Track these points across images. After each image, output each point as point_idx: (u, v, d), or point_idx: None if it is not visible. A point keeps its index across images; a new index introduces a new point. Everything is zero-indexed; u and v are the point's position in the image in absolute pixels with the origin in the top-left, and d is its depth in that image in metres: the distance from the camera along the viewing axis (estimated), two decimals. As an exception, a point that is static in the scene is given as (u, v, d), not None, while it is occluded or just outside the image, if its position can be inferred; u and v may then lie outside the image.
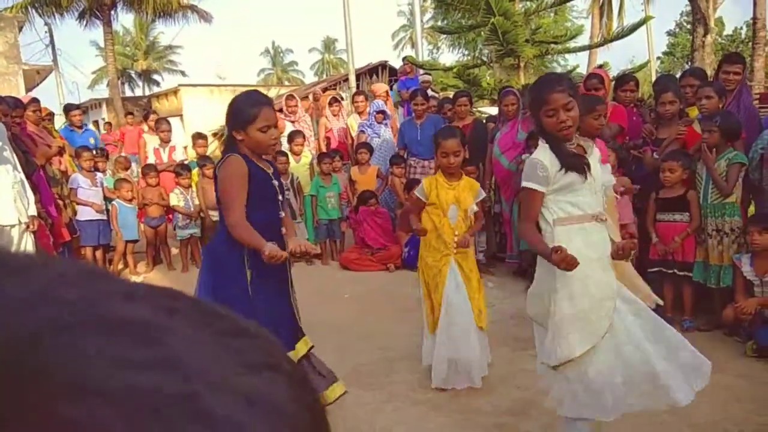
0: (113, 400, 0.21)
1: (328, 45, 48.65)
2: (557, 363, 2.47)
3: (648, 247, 4.40)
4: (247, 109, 2.70)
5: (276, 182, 2.86)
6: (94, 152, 6.88)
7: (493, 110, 8.82)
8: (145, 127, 8.88)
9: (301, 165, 7.17)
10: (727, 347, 3.87)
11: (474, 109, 8.51)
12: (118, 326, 0.23)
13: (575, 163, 2.42)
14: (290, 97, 8.15)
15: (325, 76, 36.15)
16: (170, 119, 8.36)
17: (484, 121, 7.42)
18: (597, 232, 2.50)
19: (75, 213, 6.27)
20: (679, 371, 2.37)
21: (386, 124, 7.54)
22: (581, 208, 2.45)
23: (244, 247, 2.72)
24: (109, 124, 14.95)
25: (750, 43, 15.87)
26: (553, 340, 2.48)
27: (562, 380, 2.52)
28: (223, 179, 2.74)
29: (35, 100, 6.36)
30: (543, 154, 2.46)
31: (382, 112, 7.56)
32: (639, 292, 3.24)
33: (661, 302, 3.48)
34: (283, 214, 2.89)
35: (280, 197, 2.87)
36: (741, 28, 31.46)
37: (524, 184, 2.49)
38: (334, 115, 8.11)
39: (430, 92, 8.05)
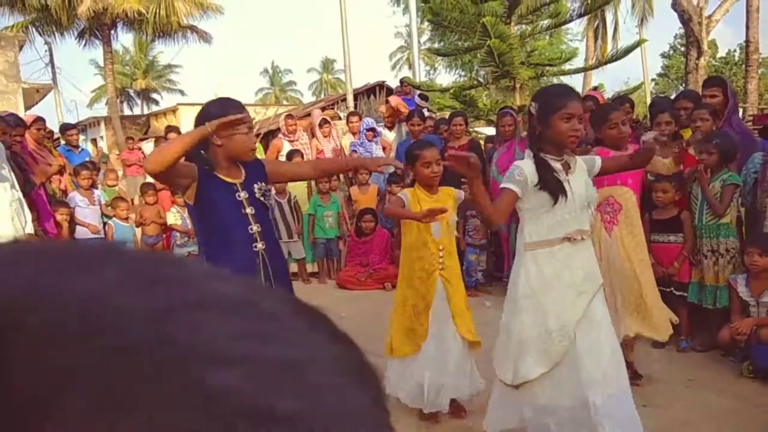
0: (242, 368, 0.22)
1: (327, 65, 48.96)
2: (516, 383, 2.47)
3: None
4: (231, 111, 2.44)
5: (243, 193, 2.51)
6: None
7: (490, 130, 8.88)
8: None
9: (299, 183, 7.20)
10: (723, 368, 3.88)
11: (470, 130, 8.58)
12: (227, 303, 0.25)
13: (552, 186, 2.40)
14: (289, 116, 8.21)
15: (323, 96, 36.37)
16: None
17: (484, 141, 7.47)
18: (571, 254, 2.45)
19: (73, 231, 6.27)
20: (616, 420, 2.35)
21: (377, 142, 7.62)
22: (559, 228, 2.43)
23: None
24: (131, 139, 12.63)
25: (743, 66, 16.06)
26: (515, 359, 2.49)
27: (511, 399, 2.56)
28: None
29: (40, 119, 6.41)
30: (525, 163, 2.47)
31: (372, 129, 7.64)
32: (651, 325, 3.28)
33: (666, 338, 3.51)
34: (253, 228, 2.52)
35: (248, 210, 2.50)
36: (734, 51, 31.85)
37: (502, 185, 2.49)
38: (325, 136, 8.16)
39: (426, 113, 8.12)
